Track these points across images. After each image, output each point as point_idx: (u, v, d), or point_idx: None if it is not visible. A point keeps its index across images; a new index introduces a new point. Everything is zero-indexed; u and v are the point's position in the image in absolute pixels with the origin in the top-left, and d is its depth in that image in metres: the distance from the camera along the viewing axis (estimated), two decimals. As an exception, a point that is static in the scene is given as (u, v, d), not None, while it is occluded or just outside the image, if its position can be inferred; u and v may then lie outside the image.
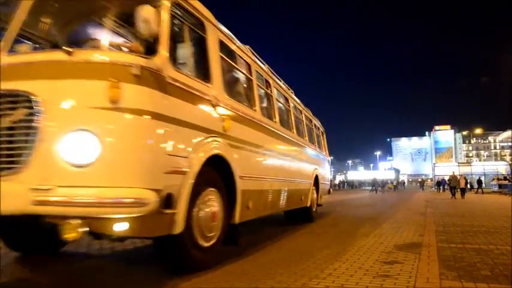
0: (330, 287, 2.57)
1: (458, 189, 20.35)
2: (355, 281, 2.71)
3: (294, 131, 6.20)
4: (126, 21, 2.92)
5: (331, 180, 11.49)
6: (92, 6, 3.18)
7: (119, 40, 2.85)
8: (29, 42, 3.03)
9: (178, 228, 2.58)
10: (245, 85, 4.45)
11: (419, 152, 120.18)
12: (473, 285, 2.65)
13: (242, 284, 2.64)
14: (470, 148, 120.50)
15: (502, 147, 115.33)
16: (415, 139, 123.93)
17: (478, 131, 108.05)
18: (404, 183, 67.31)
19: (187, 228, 2.69)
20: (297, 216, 6.72)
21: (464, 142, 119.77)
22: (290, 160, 5.64)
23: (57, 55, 2.32)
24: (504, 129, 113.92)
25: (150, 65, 2.40)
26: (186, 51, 3.12)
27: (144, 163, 2.31)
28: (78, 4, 3.20)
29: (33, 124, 2.21)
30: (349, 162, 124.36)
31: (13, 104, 2.26)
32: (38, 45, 3.10)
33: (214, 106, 3.21)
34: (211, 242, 3.09)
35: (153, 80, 2.41)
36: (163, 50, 2.54)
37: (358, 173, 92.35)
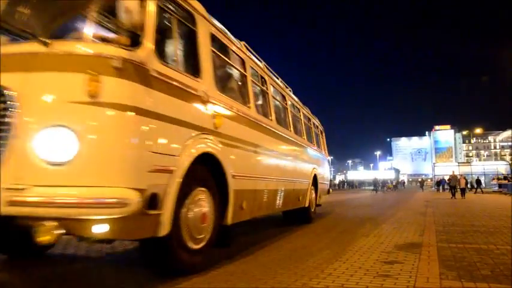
0: (330, 287, 2.57)
1: (459, 189, 20.36)
2: (356, 281, 2.71)
3: (292, 129, 6.07)
4: (111, 13, 2.77)
5: (330, 180, 11.42)
6: None
7: (104, 33, 2.71)
8: (7, 34, 2.73)
9: (164, 230, 2.45)
10: (239, 81, 4.31)
11: (419, 152, 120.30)
12: (474, 285, 2.64)
13: (242, 284, 2.64)
14: (470, 148, 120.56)
15: (502, 147, 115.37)
16: (415, 139, 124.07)
17: (478, 130, 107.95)
18: (404, 183, 67.40)
19: (174, 230, 2.57)
20: (295, 216, 6.61)
21: (464, 142, 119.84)
22: (287, 159, 5.52)
23: (34, 46, 2.19)
24: (504, 129, 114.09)
25: (132, 58, 2.27)
26: (174, 44, 2.94)
27: (125, 161, 2.18)
28: None
29: (6, 120, 2.10)
30: (349, 162, 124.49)
31: None
32: (16, 37, 2.78)
33: (204, 102, 3.08)
34: (201, 244, 2.97)
35: (136, 73, 2.29)
36: (147, 42, 2.42)
37: (358, 173, 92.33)
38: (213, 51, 3.45)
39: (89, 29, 2.33)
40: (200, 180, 2.98)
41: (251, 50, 4.75)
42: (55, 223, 2.04)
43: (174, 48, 2.94)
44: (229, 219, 3.37)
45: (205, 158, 2.98)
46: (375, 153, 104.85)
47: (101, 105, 2.12)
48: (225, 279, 2.77)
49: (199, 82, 3.06)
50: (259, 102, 4.92)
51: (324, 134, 9.75)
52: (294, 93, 7.01)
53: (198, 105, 3.01)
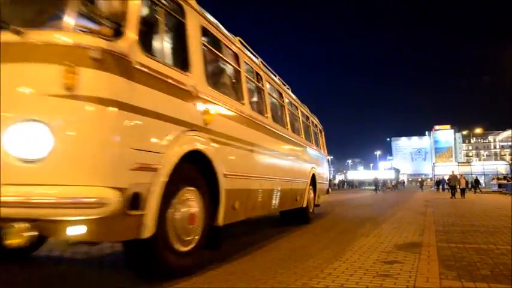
0: (330, 287, 2.57)
1: (458, 189, 20.36)
2: (355, 281, 2.71)
3: (289, 127, 5.92)
4: (92, 1, 2.62)
5: (330, 180, 11.36)
6: None
7: (85, 23, 2.49)
8: None
9: (148, 231, 2.31)
10: (232, 77, 4.17)
11: (419, 152, 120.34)
12: (473, 284, 2.64)
13: (242, 284, 2.63)
14: (470, 148, 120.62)
15: (502, 147, 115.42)
16: (415, 139, 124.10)
17: (478, 130, 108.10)
18: (404, 182, 67.47)
19: (160, 231, 2.44)
20: (293, 217, 6.49)
21: (464, 142, 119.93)
22: (283, 158, 5.39)
23: (5, 36, 2.04)
24: (504, 129, 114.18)
25: (113, 48, 2.14)
26: (161, 37, 2.79)
27: (104, 158, 2.05)
28: None
29: None
30: (349, 161, 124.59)
31: None
32: None
33: (193, 97, 2.94)
34: (190, 246, 2.83)
35: (117, 65, 2.15)
36: (130, 32, 2.27)
37: (358, 173, 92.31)
38: (204, 45, 3.34)
39: (68, 19, 2.17)
40: (188, 179, 2.86)
41: (246, 45, 4.61)
42: (26, 225, 1.94)
43: (161, 40, 2.80)
44: (221, 220, 3.24)
45: (195, 156, 2.86)
46: (375, 153, 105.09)
47: (78, 98, 1.99)
48: (225, 279, 2.76)
49: (188, 76, 2.94)
50: (254, 99, 4.80)
51: (323, 133, 9.63)
52: (293, 93, 6.94)
53: (187, 101, 2.87)
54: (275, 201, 4.95)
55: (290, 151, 5.83)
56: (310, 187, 7.00)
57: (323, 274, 2.90)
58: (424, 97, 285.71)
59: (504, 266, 3.21)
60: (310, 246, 4.26)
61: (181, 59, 2.97)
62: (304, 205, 6.59)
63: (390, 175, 71.85)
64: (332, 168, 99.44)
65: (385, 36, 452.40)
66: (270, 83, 5.40)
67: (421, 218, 7.77)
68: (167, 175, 2.48)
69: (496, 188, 30.81)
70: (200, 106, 3.04)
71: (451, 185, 20.96)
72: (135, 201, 2.20)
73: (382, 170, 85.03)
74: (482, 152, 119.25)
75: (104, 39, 2.13)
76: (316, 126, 8.87)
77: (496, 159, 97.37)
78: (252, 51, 4.84)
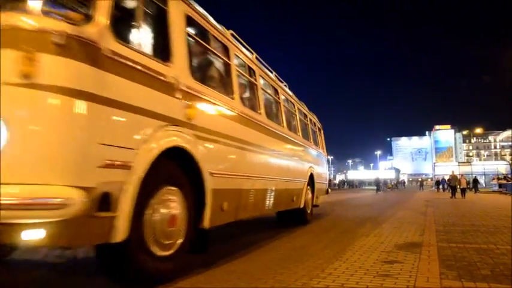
0: (330, 287, 2.57)
1: (459, 189, 20.35)
2: (356, 281, 2.71)
3: (284, 125, 5.67)
4: None
5: (330, 180, 11.29)
6: None
7: (53, 7, 2.30)
8: None
9: (120, 235, 2.11)
10: (221, 70, 3.94)
11: (419, 152, 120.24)
12: (474, 284, 2.64)
13: (242, 284, 2.63)
14: (471, 148, 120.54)
15: (502, 147, 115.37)
16: (415, 138, 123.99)
17: (478, 130, 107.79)
18: (404, 182, 67.45)
19: (135, 234, 2.25)
20: (290, 218, 6.29)
21: (464, 142, 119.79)
22: (278, 157, 5.17)
23: None
24: (504, 129, 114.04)
25: (80, 34, 1.95)
26: (139, 24, 2.57)
27: (66, 154, 1.86)
28: None
29: None
30: (349, 161, 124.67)
31: None
32: None
33: (174, 90, 2.73)
34: (171, 251, 2.63)
35: (84, 51, 1.96)
36: (100, 17, 2.09)
37: (358, 173, 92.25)
38: (189, 35, 3.16)
39: (33, 2, 1.98)
40: (169, 178, 2.67)
41: (239, 38, 4.40)
42: None
43: (139, 28, 2.58)
44: (207, 222, 3.03)
45: (176, 153, 2.67)
46: (375, 152, 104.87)
47: (37, 87, 1.80)
48: (225, 278, 2.76)
49: (169, 67, 2.73)
50: (246, 94, 4.59)
51: (322, 132, 9.43)
52: (294, 92, 6.86)
53: (166, 93, 2.66)
54: (269, 201, 4.74)
55: (286, 149, 5.62)
56: (308, 187, 6.80)
57: (323, 274, 2.90)
58: (424, 97, 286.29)
59: (504, 266, 3.21)
60: (311, 246, 4.26)
61: (161, 49, 2.76)
62: (302, 206, 6.39)
63: (391, 175, 71.85)
64: (332, 168, 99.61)
65: (385, 36, 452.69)
66: (264, 78, 5.17)
67: (422, 218, 7.77)
68: (143, 173, 2.28)
69: (496, 188, 30.79)
70: (183, 100, 2.82)
71: (452, 185, 20.96)
72: (104, 201, 2.02)
73: (383, 170, 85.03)
74: (482, 152, 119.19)
75: (69, 23, 1.95)
76: (315, 124, 8.64)
77: (496, 159, 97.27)
78: (247, 46, 4.67)
